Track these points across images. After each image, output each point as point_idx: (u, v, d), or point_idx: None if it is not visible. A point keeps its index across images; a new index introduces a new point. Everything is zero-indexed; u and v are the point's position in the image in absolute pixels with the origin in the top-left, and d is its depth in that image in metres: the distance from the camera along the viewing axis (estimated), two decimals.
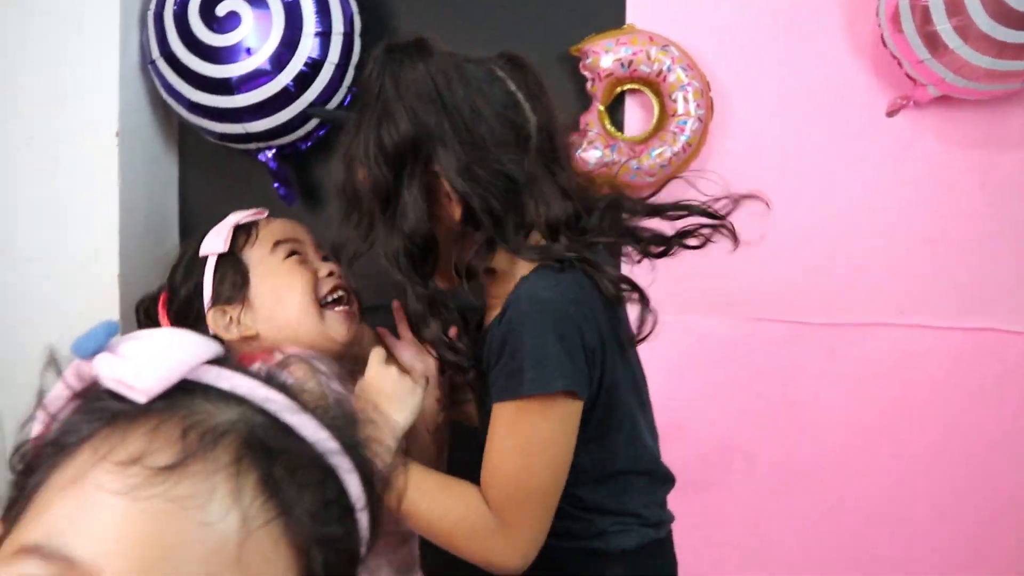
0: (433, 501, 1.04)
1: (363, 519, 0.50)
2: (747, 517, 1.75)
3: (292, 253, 1.30)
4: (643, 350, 1.29)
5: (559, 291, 1.04)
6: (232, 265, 1.28)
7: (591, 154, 1.56)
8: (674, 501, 1.26)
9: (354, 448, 0.49)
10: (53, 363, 0.50)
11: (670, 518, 1.23)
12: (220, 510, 0.43)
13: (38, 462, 0.48)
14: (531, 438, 1.02)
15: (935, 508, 1.73)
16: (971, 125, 1.66)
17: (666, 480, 1.23)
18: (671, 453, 1.56)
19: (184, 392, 0.47)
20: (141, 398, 0.46)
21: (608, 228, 1.14)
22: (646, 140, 1.59)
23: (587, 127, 1.58)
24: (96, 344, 0.47)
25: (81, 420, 0.47)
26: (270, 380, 0.49)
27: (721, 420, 1.73)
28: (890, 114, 1.63)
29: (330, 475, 0.48)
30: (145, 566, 0.41)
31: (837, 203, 1.68)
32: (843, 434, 1.72)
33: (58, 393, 0.49)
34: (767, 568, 1.75)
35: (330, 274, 1.30)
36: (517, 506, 1.02)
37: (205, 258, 1.29)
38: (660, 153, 1.56)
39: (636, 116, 1.65)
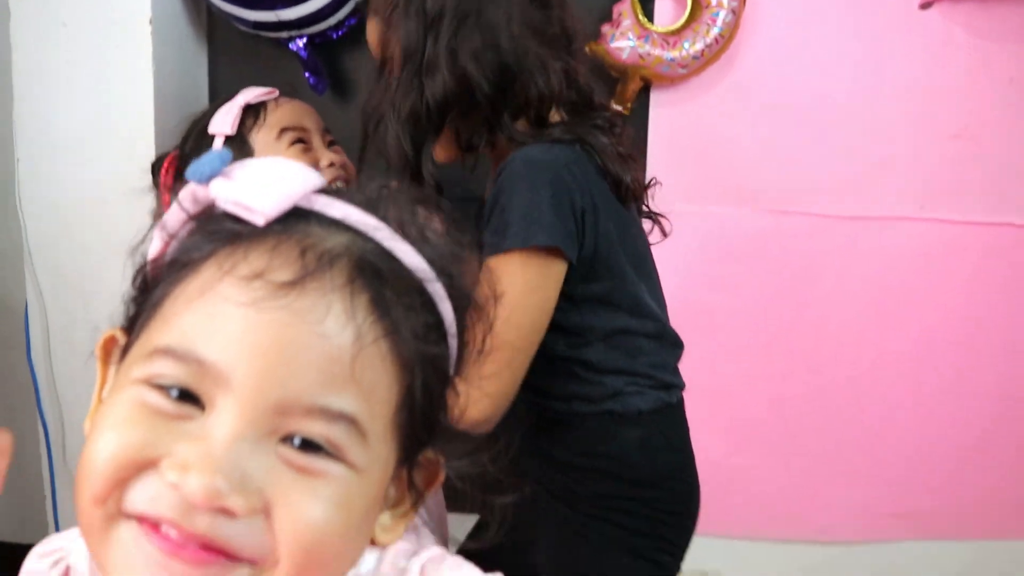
0: None
1: (453, 345, 0.53)
2: (762, 403, 1.80)
3: (297, 141, 1.31)
4: (664, 241, 1.31)
5: (552, 154, 1.06)
6: (238, 147, 1.29)
7: (623, 44, 1.56)
8: (690, 387, 1.30)
9: (449, 277, 0.52)
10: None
11: (681, 384, 1.24)
12: (336, 325, 0.46)
13: (159, 278, 0.51)
14: (513, 291, 1.02)
15: (953, 397, 1.79)
16: (1003, 19, 1.65)
17: (675, 345, 1.24)
18: (689, 344, 1.60)
19: (298, 217, 0.49)
20: (260, 220, 0.48)
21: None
22: (679, 31, 1.58)
23: (620, 17, 1.57)
24: (212, 169, 0.49)
25: (202, 239, 0.50)
26: (374, 210, 0.51)
27: (740, 311, 1.77)
28: (923, 6, 1.62)
29: (429, 301, 0.51)
30: (269, 370, 0.45)
31: (864, 95, 1.69)
32: (862, 326, 1.77)
33: (175, 216, 0.51)
34: (780, 449, 1.82)
35: (331, 164, 1.32)
36: (490, 359, 1.04)
37: (213, 136, 1.30)
38: (692, 45, 1.56)
39: (668, 7, 1.65)
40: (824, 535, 1.89)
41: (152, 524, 0.44)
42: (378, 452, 0.48)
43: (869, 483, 1.85)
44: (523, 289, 1.03)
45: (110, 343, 0.53)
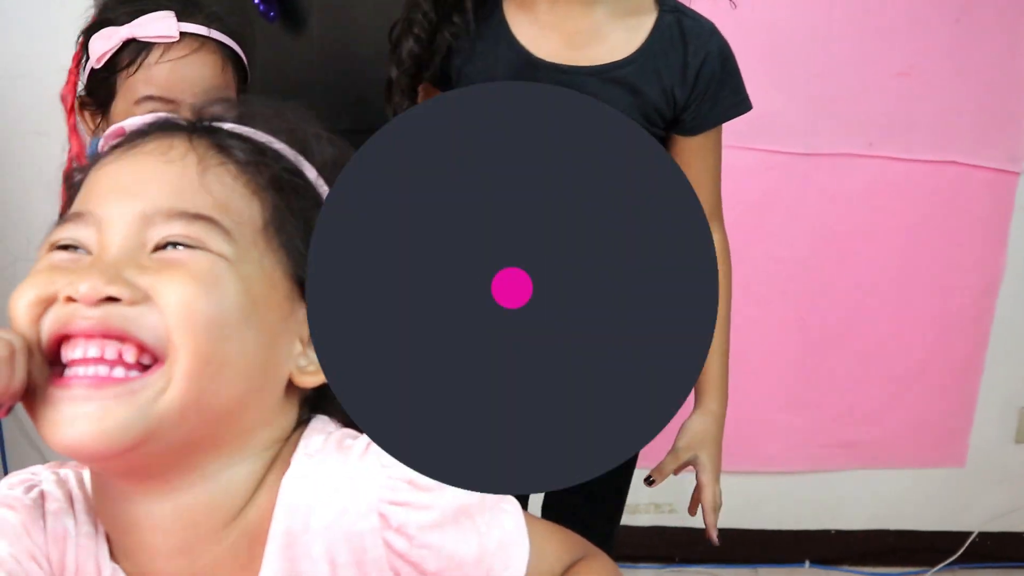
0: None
1: (311, 174, 0.61)
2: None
3: None
4: None
5: None
6: (102, 82, 1.06)
7: None
8: None
9: (303, 141, 0.62)
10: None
11: None
12: (178, 154, 0.57)
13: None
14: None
15: (892, 330, 1.86)
16: None
17: None
18: None
19: None
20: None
21: None
22: None
23: None
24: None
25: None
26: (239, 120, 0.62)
27: None
28: None
29: (276, 154, 0.61)
30: (128, 196, 0.55)
31: (814, 33, 1.70)
32: (809, 261, 1.81)
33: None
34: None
35: None
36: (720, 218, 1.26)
37: (86, 44, 1.08)
38: None
39: None
40: (768, 466, 1.95)
41: (59, 374, 0.51)
42: (249, 253, 0.56)
43: (811, 414, 1.91)
44: None
45: None
